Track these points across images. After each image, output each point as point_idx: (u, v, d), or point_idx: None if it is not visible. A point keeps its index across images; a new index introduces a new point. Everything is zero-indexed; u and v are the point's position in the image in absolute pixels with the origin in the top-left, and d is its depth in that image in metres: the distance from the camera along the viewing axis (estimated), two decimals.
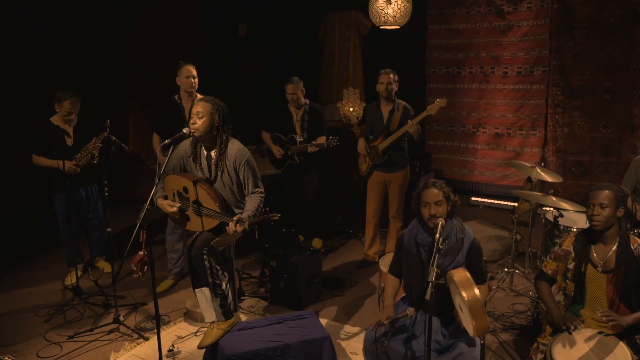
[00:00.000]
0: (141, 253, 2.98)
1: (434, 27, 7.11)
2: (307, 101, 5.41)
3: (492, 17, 6.68)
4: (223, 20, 7.03)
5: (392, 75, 4.88)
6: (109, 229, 4.05)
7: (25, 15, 5.76)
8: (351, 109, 6.27)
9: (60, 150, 4.36)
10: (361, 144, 5.08)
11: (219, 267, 3.44)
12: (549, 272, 3.02)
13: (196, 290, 3.43)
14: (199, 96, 4.37)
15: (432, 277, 2.50)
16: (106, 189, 3.91)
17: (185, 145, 3.51)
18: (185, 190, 3.39)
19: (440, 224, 2.82)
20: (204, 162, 3.45)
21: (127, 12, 6.35)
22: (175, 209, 3.39)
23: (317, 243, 5.70)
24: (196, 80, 4.42)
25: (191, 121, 3.30)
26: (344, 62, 7.48)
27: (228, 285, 3.56)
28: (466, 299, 2.51)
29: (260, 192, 3.44)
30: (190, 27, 6.51)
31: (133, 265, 3.00)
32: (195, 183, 3.32)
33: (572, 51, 6.22)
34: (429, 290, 2.44)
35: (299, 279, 4.34)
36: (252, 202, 3.38)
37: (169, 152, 3.25)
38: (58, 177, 4.48)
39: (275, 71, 7.18)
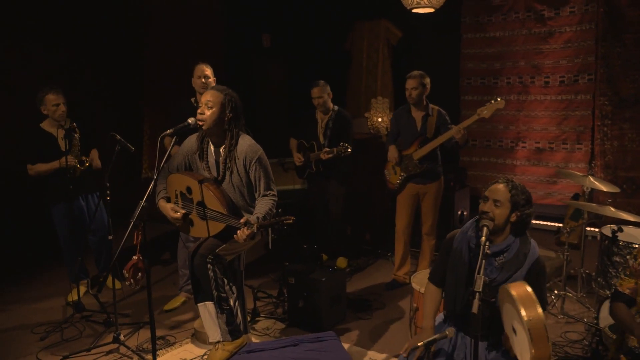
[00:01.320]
0: (135, 258, 2.60)
1: (468, 35, 6.70)
2: (336, 108, 5.04)
3: (532, 23, 6.24)
4: (247, 30, 6.76)
5: (419, 79, 4.45)
6: (110, 237, 3.68)
7: (33, 19, 5.59)
8: (380, 120, 5.86)
9: (54, 157, 4.09)
10: (393, 152, 4.62)
11: (225, 279, 3.02)
12: (627, 291, 2.51)
13: (199, 304, 3.01)
14: None
15: (480, 286, 2.02)
16: (108, 192, 3.54)
17: (191, 141, 3.14)
18: (189, 190, 3.00)
19: (486, 227, 2.35)
20: (211, 160, 3.07)
21: (142, 17, 6.13)
22: (179, 214, 3.00)
23: (341, 262, 5.24)
24: (210, 80, 4.06)
25: (199, 111, 2.94)
26: (373, 74, 7.11)
27: (237, 303, 3.13)
28: (526, 319, 2.01)
29: (273, 195, 3.04)
30: (212, 35, 6.26)
31: (125, 272, 2.61)
32: (200, 183, 2.93)
33: (621, 57, 5.71)
34: (475, 302, 1.95)
35: (321, 298, 3.86)
36: (263, 204, 2.98)
37: (171, 145, 2.88)
38: (55, 187, 4.20)
39: (300, 83, 6.83)
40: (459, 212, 5.55)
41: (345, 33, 7.31)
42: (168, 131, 2.81)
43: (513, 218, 2.39)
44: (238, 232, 2.77)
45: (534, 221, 6.20)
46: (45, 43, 5.67)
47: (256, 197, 3.06)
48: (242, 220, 2.76)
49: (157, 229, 4.28)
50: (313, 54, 7.07)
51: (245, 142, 3.01)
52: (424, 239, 4.78)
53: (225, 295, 2.98)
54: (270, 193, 3.03)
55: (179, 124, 4.07)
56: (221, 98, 2.96)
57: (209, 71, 4.07)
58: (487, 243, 2.27)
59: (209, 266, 2.93)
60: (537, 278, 2.38)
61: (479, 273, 2.11)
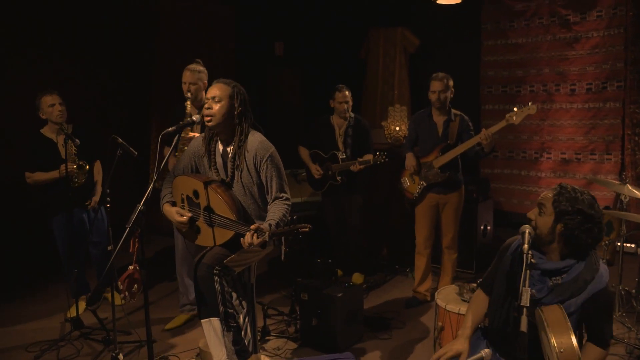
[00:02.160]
0: (131, 268, 2.32)
1: (489, 42, 6.45)
2: (353, 114, 4.79)
3: (556, 28, 5.97)
4: (259, 38, 6.56)
5: (445, 81, 4.20)
6: (109, 247, 3.41)
7: (36, 23, 5.42)
8: (397, 128, 5.58)
9: (55, 164, 3.88)
10: (411, 160, 4.33)
11: (234, 294, 2.74)
12: None
13: (203, 321, 2.72)
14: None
15: (526, 300, 1.72)
16: (108, 199, 3.29)
17: (197, 142, 2.89)
18: (196, 194, 2.74)
19: (526, 232, 2.06)
20: (219, 160, 2.81)
21: (151, 23, 5.95)
22: (185, 218, 2.73)
23: (357, 278, 4.93)
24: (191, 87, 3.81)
25: (205, 106, 2.69)
26: (389, 83, 6.86)
27: (246, 319, 2.83)
28: (557, 348, 1.72)
29: (286, 199, 2.76)
30: (222, 42, 6.06)
31: (119, 284, 2.33)
32: (206, 185, 2.66)
33: None
34: (523, 319, 1.65)
35: (336, 315, 3.56)
36: (276, 210, 2.70)
37: (173, 144, 2.63)
38: (54, 197, 3.97)
39: (314, 92, 6.62)
40: (482, 227, 5.23)
41: (360, 41, 7.09)
42: (170, 128, 2.57)
43: (559, 229, 2.07)
44: (247, 237, 2.49)
45: None
46: (48, 49, 5.50)
47: (268, 200, 2.79)
48: (252, 227, 2.49)
49: (160, 242, 4.01)
50: (327, 62, 6.85)
51: (256, 139, 2.76)
52: (445, 253, 4.47)
53: (232, 311, 2.70)
54: (283, 196, 2.76)
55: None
56: (229, 91, 2.72)
57: (189, 77, 3.76)
58: (530, 252, 1.98)
59: (216, 278, 2.65)
60: (597, 311, 2.03)
61: (524, 285, 1.81)
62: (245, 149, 2.72)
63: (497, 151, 6.46)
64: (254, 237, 2.48)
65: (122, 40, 5.92)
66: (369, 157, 4.58)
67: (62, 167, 3.85)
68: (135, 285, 2.34)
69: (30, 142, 4.01)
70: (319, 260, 4.66)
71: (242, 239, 2.53)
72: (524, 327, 1.64)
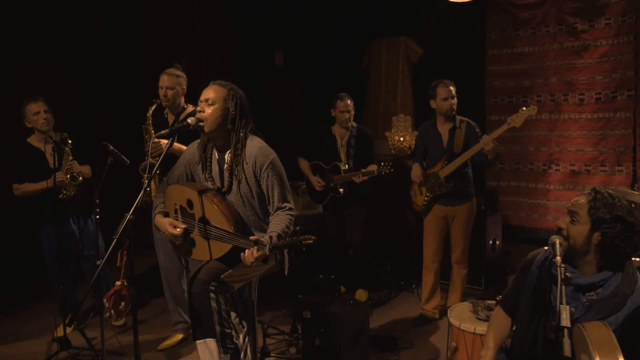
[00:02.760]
0: (118, 284, 2.11)
1: (494, 52, 6.29)
2: (354, 124, 4.61)
3: (564, 37, 5.81)
4: (258, 48, 6.40)
5: (452, 88, 4.05)
6: (98, 262, 3.19)
7: (26, 30, 5.24)
8: (401, 139, 5.39)
9: (44, 174, 3.68)
10: (416, 170, 4.16)
11: (233, 312, 2.51)
12: None
13: (197, 342, 2.50)
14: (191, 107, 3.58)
15: (567, 319, 1.50)
16: (98, 209, 3.08)
17: (192, 149, 2.69)
18: (190, 204, 2.54)
19: (557, 243, 1.85)
20: (215, 169, 2.61)
21: (147, 32, 5.78)
22: (179, 230, 2.52)
23: (361, 295, 4.70)
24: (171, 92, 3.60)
25: (198, 108, 2.50)
26: (392, 93, 6.69)
27: (247, 339, 2.61)
28: None
29: (290, 209, 2.56)
30: (221, 51, 5.90)
31: (105, 301, 2.12)
32: (200, 194, 2.46)
33: None
34: (566, 342, 1.43)
35: (340, 334, 3.33)
36: (278, 221, 2.49)
37: (166, 148, 2.43)
38: (43, 208, 3.77)
39: (314, 103, 6.45)
40: (491, 241, 5.02)
41: (362, 51, 6.93)
42: (163, 131, 2.37)
43: (595, 239, 1.86)
44: (246, 251, 2.28)
45: None
46: (37, 55, 5.31)
47: (270, 211, 2.58)
48: (252, 238, 2.28)
49: (152, 256, 3.79)
50: (328, 72, 6.68)
51: (255, 145, 2.56)
52: (454, 269, 4.26)
53: (230, 331, 2.48)
54: (286, 206, 2.56)
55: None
56: (224, 93, 2.53)
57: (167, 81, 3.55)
58: (563, 265, 1.77)
59: (212, 295, 2.43)
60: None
61: (561, 302, 1.60)
62: (244, 157, 2.52)
63: (504, 163, 6.26)
64: (254, 251, 2.26)
65: (117, 47, 5.75)
66: (372, 167, 4.39)
67: (52, 178, 3.64)
68: (123, 303, 2.13)
69: (16, 152, 3.81)
70: (321, 276, 4.43)
71: (241, 253, 2.32)
72: (567, 351, 1.42)
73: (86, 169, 3.85)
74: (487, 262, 4.91)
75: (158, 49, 5.84)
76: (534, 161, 6.14)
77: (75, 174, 3.70)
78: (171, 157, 2.92)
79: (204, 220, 2.50)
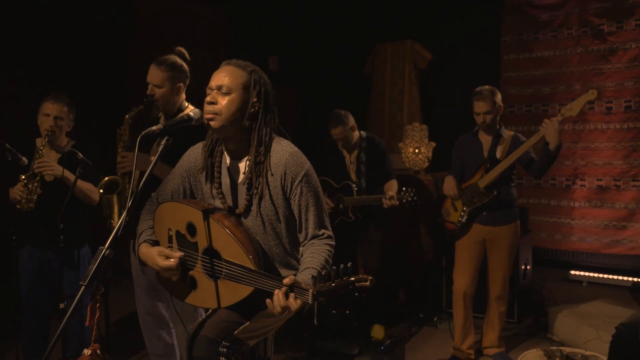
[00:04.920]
0: (87, 353, 1.38)
1: (510, 56, 5.76)
2: (364, 133, 3.96)
3: (588, 39, 5.32)
4: (251, 50, 5.72)
5: (491, 99, 3.43)
6: (62, 305, 2.45)
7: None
8: (416, 151, 4.76)
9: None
10: (450, 183, 3.53)
11: None
12: None
13: None
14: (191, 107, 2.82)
15: None
16: (62, 237, 2.35)
17: (194, 154, 2.00)
18: (192, 229, 1.84)
19: None
20: (226, 180, 1.92)
21: (126, 26, 5.06)
22: (172, 262, 1.81)
23: (378, 332, 4.01)
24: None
25: (207, 99, 1.81)
26: (398, 102, 6.09)
27: None
28: None
29: (329, 237, 1.89)
30: (212, 53, 5.19)
31: None
32: (206, 214, 1.76)
33: None
34: None
35: None
36: (315, 254, 1.82)
37: (158, 151, 1.72)
38: (24, 223, 3.01)
39: (313, 112, 5.80)
40: (523, 266, 4.40)
41: (364, 56, 6.33)
42: (154, 127, 1.67)
43: None
44: (276, 297, 1.60)
45: (601, 275, 5.18)
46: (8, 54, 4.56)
47: (301, 240, 1.90)
48: (286, 282, 1.59)
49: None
50: (327, 80, 6.05)
51: (284, 149, 1.89)
52: (493, 304, 3.61)
53: None
54: (324, 233, 1.89)
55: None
56: (243, 78, 1.86)
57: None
58: None
59: (222, 359, 1.72)
60: None
61: None
62: (268, 166, 1.84)
63: (522, 178, 5.69)
64: (290, 299, 1.58)
65: (94, 45, 5.01)
66: (393, 185, 3.79)
67: (19, 186, 2.86)
68: None
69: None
70: (333, 312, 3.75)
71: (267, 299, 1.63)
72: None
73: (85, 186, 2.94)
74: (519, 291, 4.28)
75: (139, 48, 5.13)
76: (556, 176, 5.60)
77: (28, 180, 2.83)
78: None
79: (211, 252, 1.80)
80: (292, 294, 1.59)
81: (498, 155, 3.44)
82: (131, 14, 5.09)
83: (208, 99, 1.82)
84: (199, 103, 2.88)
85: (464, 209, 3.47)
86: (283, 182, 1.84)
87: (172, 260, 1.81)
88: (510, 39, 5.75)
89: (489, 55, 5.78)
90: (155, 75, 2.66)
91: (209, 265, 1.81)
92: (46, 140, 2.89)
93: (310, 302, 1.56)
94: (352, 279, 1.63)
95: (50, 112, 2.96)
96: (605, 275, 5.27)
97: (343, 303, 1.69)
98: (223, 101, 1.81)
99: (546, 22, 5.52)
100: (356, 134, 3.88)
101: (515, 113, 5.78)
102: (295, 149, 1.91)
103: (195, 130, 1.96)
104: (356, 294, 1.63)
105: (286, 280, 1.61)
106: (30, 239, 3.01)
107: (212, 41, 5.20)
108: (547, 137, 3.17)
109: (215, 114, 1.80)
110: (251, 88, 1.86)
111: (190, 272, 1.87)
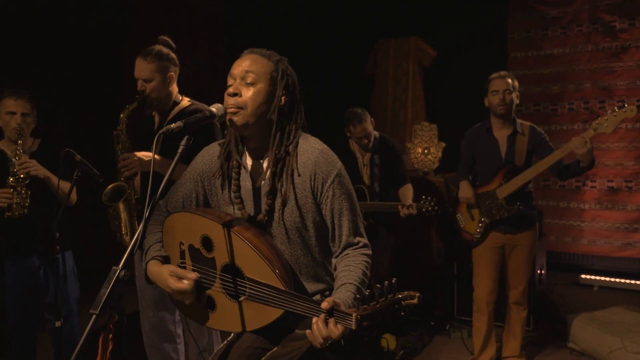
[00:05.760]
0: None
1: (517, 54, 5.57)
2: (377, 134, 3.76)
3: (599, 37, 5.15)
4: (246, 44, 5.50)
5: (510, 81, 3.26)
6: (57, 323, 2.22)
7: None
8: (425, 151, 4.57)
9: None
10: (466, 190, 3.34)
11: None
12: None
13: None
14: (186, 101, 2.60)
15: None
16: (58, 247, 2.12)
17: (210, 155, 1.77)
18: (208, 243, 1.62)
19: None
20: (246, 184, 1.70)
21: (124, 19, 4.82)
22: (187, 285, 1.58)
23: (389, 341, 3.81)
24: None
25: (229, 91, 1.60)
26: (401, 101, 5.89)
27: None
28: None
29: (365, 246, 1.70)
30: (210, 46, 4.96)
31: None
32: (227, 227, 1.55)
33: None
34: None
35: None
36: (350, 266, 1.63)
37: (178, 152, 1.49)
38: (6, 232, 2.76)
39: (312, 112, 5.55)
40: (538, 271, 4.22)
41: (366, 53, 6.11)
42: (173, 125, 1.43)
43: None
44: (314, 327, 1.38)
45: (612, 279, 5.02)
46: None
47: (333, 249, 1.69)
48: (325, 306, 1.38)
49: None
50: (327, 78, 5.83)
51: (313, 147, 1.68)
52: (513, 310, 3.44)
53: None
54: (359, 242, 1.69)
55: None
56: (270, 67, 1.66)
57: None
58: None
59: None
60: None
61: None
62: (294, 164, 1.63)
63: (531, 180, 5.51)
64: (331, 325, 1.36)
65: (86, 34, 4.77)
66: (409, 191, 3.61)
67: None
68: None
69: None
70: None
71: (307, 331, 1.42)
72: None
73: (61, 185, 2.63)
74: (534, 297, 4.11)
75: (136, 38, 4.89)
76: None
77: (17, 184, 2.60)
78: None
79: (231, 269, 1.58)
80: (331, 320, 1.38)
81: (517, 157, 3.25)
82: (129, 7, 4.85)
83: (231, 90, 1.60)
84: (195, 97, 2.66)
85: (482, 219, 3.28)
86: (313, 183, 1.62)
87: (186, 282, 1.58)
88: (517, 35, 5.56)
89: (495, 53, 5.59)
90: (142, 68, 2.45)
91: (231, 284, 1.59)
92: (20, 139, 2.67)
93: (353, 327, 1.35)
94: (399, 296, 1.43)
95: (15, 109, 2.73)
96: (617, 280, 5.11)
97: (393, 318, 1.48)
98: (248, 93, 1.59)
99: (555, 19, 5.34)
100: (373, 133, 3.69)
101: (523, 112, 5.59)
102: (325, 146, 1.70)
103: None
104: (402, 313, 1.43)
105: (324, 305, 1.39)
106: (15, 247, 2.77)
107: (210, 33, 4.96)
108: (579, 157, 2.99)
109: (240, 107, 1.58)
110: (278, 79, 1.65)
111: (208, 292, 1.64)
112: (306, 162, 1.64)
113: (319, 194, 1.63)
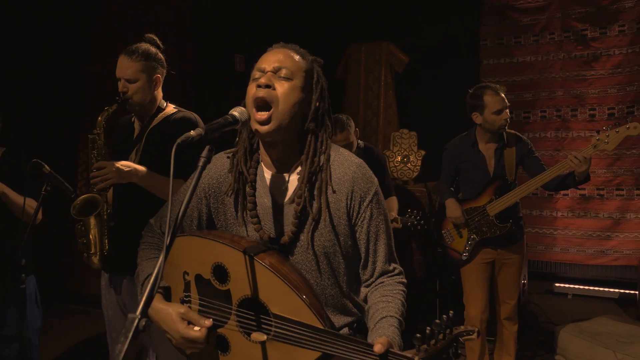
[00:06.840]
0: None
1: (489, 61, 5.54)
2: (361, 144, 3.54)
3: (571, 45, 5.18)
4: (216, 49, 5.20)
5: (504, 96, 3.14)
6: None
7: None
8: (405, 159, 4.41)
9: None
10: (455, 209, 3.17)
11: None
12: None
13: None
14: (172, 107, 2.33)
15: None
16: (23, 275, 1.78)
17: (218, 165, 1.51)
18: (222, 273, 1.35)
19: None
20: (264, 201, 1.44)
21: (86, 15, 4.44)
22: (200, 333, 1.31)
23: None
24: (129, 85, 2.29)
25: (262, 81, 1.35)
26: (373, 107, 5.73)
27: None
28: None
29: (400, 274, 1.47)
30: (178, 42, 4.62)
31: None
32: (248, 253, 1.29)
33: None
34: None
35: None
36: (389, 297, 1.43)
37: (199, 165, 1.20)
38: None
39: None
40: (523, 281, 4.13)
41: (336, 58, 5.92)
42: (193, 132, 1.16)
43: None
44: None
45: (586, 287, 5.01)
46: None
47: (365, 277, 1.46)
48: (377, 349, 1.15)
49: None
50: None
51: (349, 160, 1.45)
52: (504, 326, 3.30)
53: None
54: (395, 269, 1.47)
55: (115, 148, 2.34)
56: (304, 64, 1.43)
57: (127, 69, 2.37)
58: None
59: None
60: None
61: None
62: (328, 179, 1.38)
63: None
64: None
65: (45, 31, 4.35)
66: (393, 203, 3.41)
67: None
68: None
69: None
70: None
71: None
72: None
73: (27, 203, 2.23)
74: (519, 308, 4.00)
75: (99, 34, 4.51)
76: None
77: None
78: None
79: (253, 304, 1.31)
80: None
81: (507, 172, 3.11)
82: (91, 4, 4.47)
83: (263, 80, 1.34)
84: (167, 99, 2.37)
85: (472, 236, 3.13)
86: (349, 202, 1.39)
87: (198, 330, 1.31)
88: (489, 43, 5.52)
89: (468, 60, 5.53)
90: (126, 67, 2.16)
91: (251, 321, 1.32)
92: None
93: None
94: (458, 331, 1.22)
95: None
96: (591, 287, 5.13)
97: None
98: (282, 87, 1.34)
99: (528, 26, 5.34)
100: (356, 142, 3.47)
101: None
102: (360, 159, 1.46)
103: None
104: (459, 353, 1.22)
105: (378, 347, 1.16)
106: None
107: (177, 29, 4.63)
108: (577, 173, 2.87)
109: (273, 101, 1.32)
110: (314, 81, 1.41)
111: (220, 331, 1.37)
112: (342, 178, 1.40)
113: (354, 214, 1.40)
